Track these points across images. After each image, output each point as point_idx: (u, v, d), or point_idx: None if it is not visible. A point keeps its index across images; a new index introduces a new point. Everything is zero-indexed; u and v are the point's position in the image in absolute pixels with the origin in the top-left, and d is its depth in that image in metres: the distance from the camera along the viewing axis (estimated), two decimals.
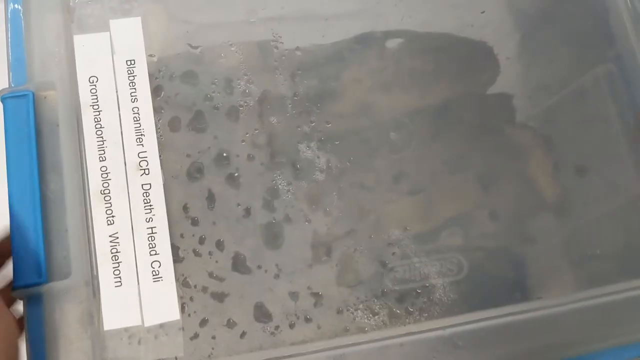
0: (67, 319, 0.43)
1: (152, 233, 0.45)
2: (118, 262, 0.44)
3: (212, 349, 0.45)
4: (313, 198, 0.48)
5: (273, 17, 0.51)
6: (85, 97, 0.46)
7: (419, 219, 0.49)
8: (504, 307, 0.48)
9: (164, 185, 0.46)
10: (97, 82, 0.47)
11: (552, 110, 0.53)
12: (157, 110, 0.48)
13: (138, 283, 0.45)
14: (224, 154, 0.48)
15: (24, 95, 0.45)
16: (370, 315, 0.47)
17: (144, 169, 0.46)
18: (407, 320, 0.47)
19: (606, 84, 0.53)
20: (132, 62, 0.48)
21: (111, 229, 0.45)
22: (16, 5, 0.47)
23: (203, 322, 0.45)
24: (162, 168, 0.46)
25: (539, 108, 0.53)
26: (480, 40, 0.53)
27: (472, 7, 0.54)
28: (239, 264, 0.47)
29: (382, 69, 0.52)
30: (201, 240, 0.47)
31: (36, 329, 0.42)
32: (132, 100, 0.47)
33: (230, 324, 0.46)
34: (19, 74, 0.46)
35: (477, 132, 0.52)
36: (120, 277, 0.44)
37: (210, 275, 0.46)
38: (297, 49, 0.50)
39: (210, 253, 0.46)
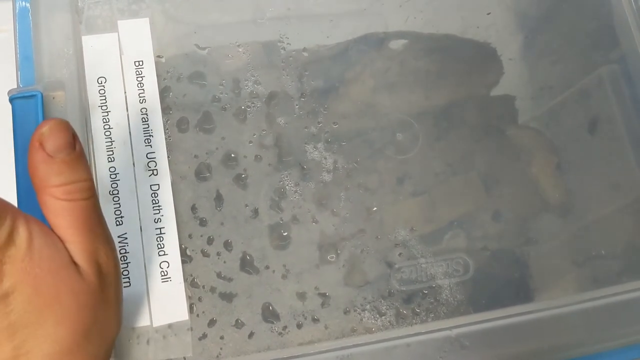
0: None
1: (161, 234, 0.45)
2: (127, 263, 0.45)
3: (221, 349, 0.45)
4: (320, 199, 0.48)
5: (279, 17, 0.51)
6: (93, 98, 0.47)
7: (423, 219, 0.50)
8: (510, 307, 0.49)
9: (172, 186, 0.46)
10: (105, 82, 0.47)
11: (555, 111, 0.53)
12: (165, 111, 0.48)
13: (147, 283, 0.45)
14: (232, 155, 0.48)
15: (33, 96, 0.45)
16: (377, 315, 0.47)
17: (153, 170, 0.46)
18: (414, 320, 0.48)
19: (610, 84, 0.53)
20: (140, 62, 0.48)
21: (120, 230, 0.45)
22: (25, 5, 0.47)
23: (211, 323, 0.46)
24: (170, 169, 0.47)
25: (542, 109, 0.53)
26: (484, 42, 0.54)
27: (476, 9, 0.54)
28: (246, 265, 0.47)
29: (386, 70, 0.52)
30: (209, 241, 0.47)
31: None
32: (141, 101, 0.47)
33: (239, 324, 0.46)
34: (28, 74, 0.46)
35: (481, 133, 0.52)
36: (129, 278, 0.44)
37: (219, 275, 0.46)
38: (304, 49, 0.51)
39: (218, 253, 0.47)
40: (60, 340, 0.36)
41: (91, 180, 0.37)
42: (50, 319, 0.35)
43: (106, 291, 0.38)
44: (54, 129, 0.35)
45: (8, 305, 0.34)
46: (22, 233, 0.34)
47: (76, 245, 0.36)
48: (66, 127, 0.36)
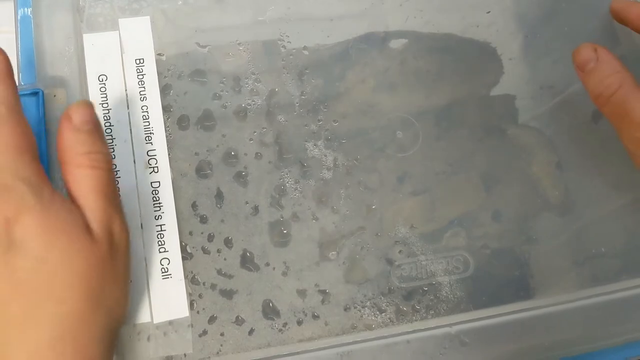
0: None
1: (161, 230, 0.46)
2: None
3: (221, 345, 0.45)
4: (320, 196, 0.49)
5: (280, 16, 0.51)
6: (95, 96, 0.47)
7: (424, 218, 0.50)
8: (510, 304, 0.49)
9: (172, 183, 0.46)
10: (106, 80, 0.47)
11: (555, 110, 0.53)
12: (166, 108, 0.48)
13: (147, 280, 0.45)
14: (232, 153, 0.48)
15: (34, 94, 0.46)
16: (377, 312, 0.47)
17: (153, 167, 0.46)
18: (414, 317, 0.48)
19: None
20: (141, 60, 0.48)
21: None
22: (26, 5, 0.48)
23: (212, 319, 0.46)
24: (171, 166, 0.47)
25: (542, 108, 0.53)
26: (484, 41, 0.54)
27: (476, 8, 0.54)
28: (247, 262, 0.47)
29: (387, 69, 0.52)
30: (210, 238, 0.47)
31: None
32: (142, 99, 0.47)
33: (239, 321, 0.46)
34: (29, 72, 0.47)
35: (481, 132, 0.52)
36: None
37: (219, 272, 0.46)
38: (305, 48, 0.51)
39: (218, 250, 0.47)
40: (69, 304, 0.37)
41: (110, 155, 0.41)
42: (59, 281, 0.37)
43: (116, 262, 0.40)
44: (81, 105, 0.41)
45: (17, 256, 0.36)
46: (45, 192, 0.37)
47: (94, 211, 0.39)
48: (91, 105, 0.41)
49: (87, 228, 0.38)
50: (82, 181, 0.39)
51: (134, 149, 0.46)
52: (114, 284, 0.39)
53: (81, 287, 0.37)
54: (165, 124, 0.47)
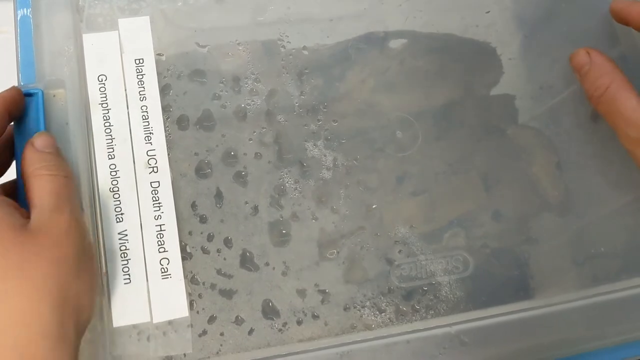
0: None
1: (161, 230, 0.46)
2: (127, 259, 0.45)
3: (221, 345, 0.45)
4: (320, 196, 0.49)
5: (280, 17, 0.51)
6: (94, 96, 0.47)
7: (423, 218, 0.50)
8: (509, 304, 0.49)
9: (172, 183, 0.46)
10: (106, 80, 0.47)
11: (555, 110, 0.53)
12: (165, 108, 0.48)
13: (147, 280, 0.45)
14: (232, 153, 0.48)
15: (34, 94, 0.45)
16: (377, 312, 0.47)
17: (153, 167, 0.46)
18: (414, 317, 0.48)
19: None
20: (141, 60, 0.48)
21: (120, 227, 0.45)
22: (25, 5, 0.48)
23: (211, 319, 0.46)
24: (170, 166, 0.47)
25: (542, 108, 0.53)
26: (484, 41, 0.54)
27: (475, 8, 0.54)
28: (246, 261, 0.47)
29: (386, 69, 0.52)
30: (209, 238, 0.47)
31: None
32: (141, 99, 0.47)
33: (239, 321, 0.46)
34: (28, 72, 0.47)
35: (481, 132, 0.52)
36: (129, 274, 0.45)
37: (219, 272, 0.46)
38: (304, 48, 0.51)
39: (218, 250, 0.47)
40: (6, 296, 0.38)
41: (69, 168, 0.43)
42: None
43: (63, 252, 0.40)
44: (43, 134, 0.44)
45: None
46: None
47: (41, 207, 0.40)
48: (50, 135, 0.44)
49: (23, 224, 0.39)
50: (39, 185, 0.41)
51: (134, 149, 0.46)
52: (62, 274, 0.39)
53: (20, 280, 0.38)
54: (164, 124, 0.47)
